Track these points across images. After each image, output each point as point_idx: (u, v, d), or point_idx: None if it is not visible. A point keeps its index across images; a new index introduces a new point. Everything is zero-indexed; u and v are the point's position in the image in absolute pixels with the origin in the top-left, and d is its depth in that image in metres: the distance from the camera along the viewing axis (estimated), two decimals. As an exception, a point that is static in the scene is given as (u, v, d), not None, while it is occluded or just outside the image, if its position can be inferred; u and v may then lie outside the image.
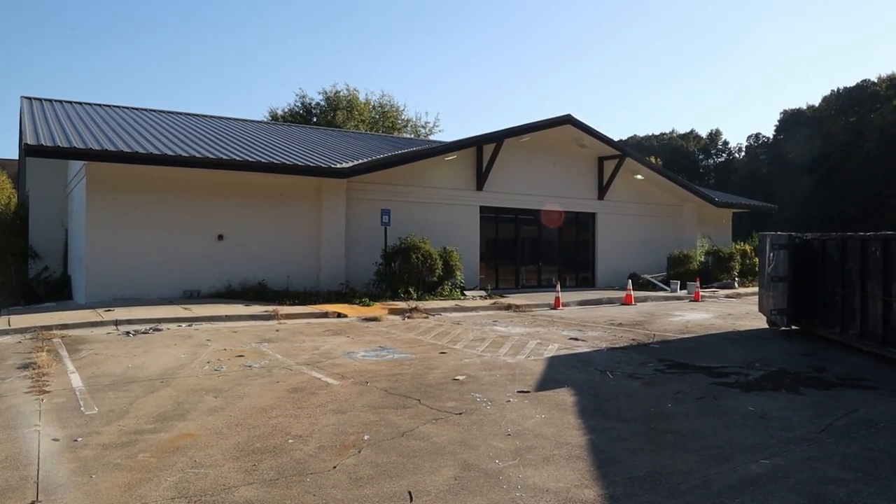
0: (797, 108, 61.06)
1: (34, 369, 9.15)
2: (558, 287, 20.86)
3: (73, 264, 20.16)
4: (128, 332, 12.86)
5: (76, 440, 6.13)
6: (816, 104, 59.79)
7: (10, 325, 12.97)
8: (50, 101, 23.61)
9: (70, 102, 24.08)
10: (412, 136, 47.79)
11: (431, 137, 48.41)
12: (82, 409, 7.24)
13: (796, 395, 8.31)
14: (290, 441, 6.17)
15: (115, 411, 7.15)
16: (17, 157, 28.19)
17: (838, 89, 58.37)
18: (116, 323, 13.56)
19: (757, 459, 5.81)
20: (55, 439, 6.16)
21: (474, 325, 15.13)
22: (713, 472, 5.49)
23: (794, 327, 14.26)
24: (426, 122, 50.66)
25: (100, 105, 24.67)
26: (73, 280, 20.12)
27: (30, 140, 15.59)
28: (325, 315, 15.85)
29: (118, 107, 25.06)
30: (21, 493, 4.89)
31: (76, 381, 8.61)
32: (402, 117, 49.60)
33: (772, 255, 14.34)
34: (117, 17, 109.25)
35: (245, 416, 7.00)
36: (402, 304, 17.48)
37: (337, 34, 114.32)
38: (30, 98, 23.07)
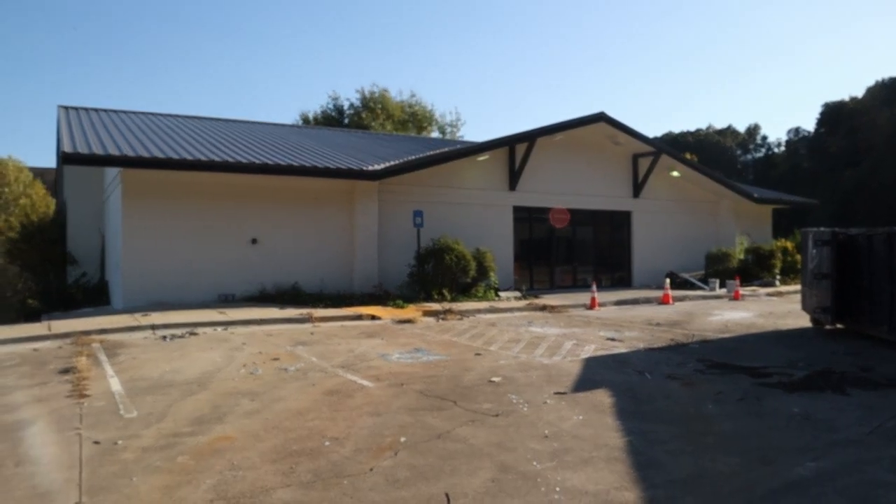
0: (840, 100, 59.70)
1: (75, 374, 9.30)
2: (594, 287, 20.66)
3: (110, 270, 20.51)
4: (164, 337, 13.03)
5: (116, 443, 6.21)
6: (860, 96, 58.45)
7: (50, 330, 13.22)
8: (86, 109, 24.09)
9: (105, 110, 24.55)
10: (439, 135, 47.88)
11: (457, 135, 48.45)
12: (122, 412, 7.33)
13: (842, 396, 8.08)
14: (327, 443, 6.17)
15: (153, 414, 7.23)
16: (54, 165, 28.85)
17: (883, 79, 56.95)
18: (153, 327, 13.74)
19: (802, 462, 5.65)
20: (96, 442, 6.24)
21: (509, 326, 15.04)
22: (756, 474, 5.35)
23: (838, 326, 13.88)
24: (453, 121, 50.76)
25: (134, 112, 25.12)
26: (110, 285, 20.48)
27: (67, 148, 15.89)
28: (359, 317, 15.88)
29: (152, 114, 25.49)
30: (65, 495, 4.97)
31: (115, 384, 8.73)
32: (430, 118, 49.71)
33: (815, 251, 14.00)
34: (149, 26, 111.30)
35: (281, 419, 7.02)
36: (435, 306, 17.45)
37: (367, 37, 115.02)
38: (66, 107, 23.57)
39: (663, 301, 20.54)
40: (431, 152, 23.42)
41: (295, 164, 18.33)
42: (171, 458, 5.77)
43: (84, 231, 23.12)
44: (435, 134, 48.40)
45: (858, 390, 8.37)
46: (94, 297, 20.28)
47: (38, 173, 29.57)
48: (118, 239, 17.70)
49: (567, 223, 24.84)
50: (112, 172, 19.37)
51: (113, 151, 16.26)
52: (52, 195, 27.55)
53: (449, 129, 49.92)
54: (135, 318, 14.66)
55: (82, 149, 16.01)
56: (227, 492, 5.00)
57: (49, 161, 53.69)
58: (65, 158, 15.76)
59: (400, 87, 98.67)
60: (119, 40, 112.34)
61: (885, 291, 12.01)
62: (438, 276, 19.29)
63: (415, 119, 48.55)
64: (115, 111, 24.74)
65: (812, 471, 5.43)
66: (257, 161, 17.82)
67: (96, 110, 24.28)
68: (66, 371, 9.59)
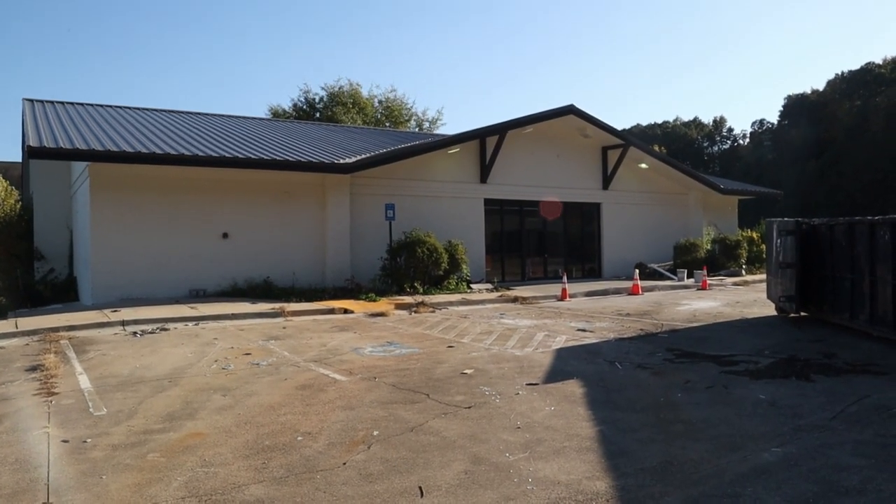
0: (802, 92, 60.72)
1: (42, 371, 9.16)
2: (565, 278, 20.82)
3: (79, 265, 20.19)
4: (135, 333, 12.87)
5: (86, 441, 6.13)
6: (821, 88, 59.47)
7: (17, 327, 12.99)
8: (52, 102, 23.64)
9: (72, 103, 24.10)
10: (416, 130, 47.63)
11: (436, 132, 48.22)
12: (91, 410, 7.24)
13: (807, 382, 8.25)
14: (300, 438, 6.16)
15: (123, 412, 7.15)
16: (20, 159, 28.24)
17: (843, 73, 58.03)
18: (123, 323, 13.57)
19: (768, 447, 5.77)
20: (65, 441, 6.16)
21: (481, 318, 15.10)
22: (725, 461, 5.45)
23: (803, 314, 14.17)
24: (432, 118, 50.43)
25: (101, 106, 24.68)
26: (79, 281, 20.16)
27: (32, 142, 15.59)
28: (331, 311, 15.84)
29: (120, 107, 25.07)
30: (32, 496, 4.89)
31: (84, 382, 8.61)
32: (408, 112, 49.30)
33: (779, 241, 14.25)
34: (117, 18, 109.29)
35: (254, 415, 6.99)
36: (408, 299, 17.46)
37: (338, 31, 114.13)
38: (32, 100, 23.09)
39: (633, 291, 20.76)
40: (403, 145, 23.37)
41: (266, 157, 18.19)
42: (141, 456, 5.72)
43: (52, 226, 22.71)
44: (413, 129, 48.08)
45: (822, 376, 8.56)
46: (63, 293, 19.94)
47: (3, 168, 28.92)
48: (86, 234, 17.43)
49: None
50: (79, 167, 19.04)
51: (80, 145, 16.00)
52: (18, 190, 26.97)
53: (427, 126, 49.58)
54: (104, 314, 14.47)
55: (48, 143, 15.72)
56: (198, 489, 4.97)
57: (14, 155, 52.53)
58: (30, 153, 15.47)
59: (377, 82, 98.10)
60: (84, 33, 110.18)
61: (846, 280, 12.29)
62: (411, 269, 19.30)
63: (390, 114, 48.15)
64: (82, 104, 24.30)
65: (778, 456, 5.55)
66: (228, 155, 17.64)
67: (63, 103, 23.84)
68: (33, 369, 9.44)
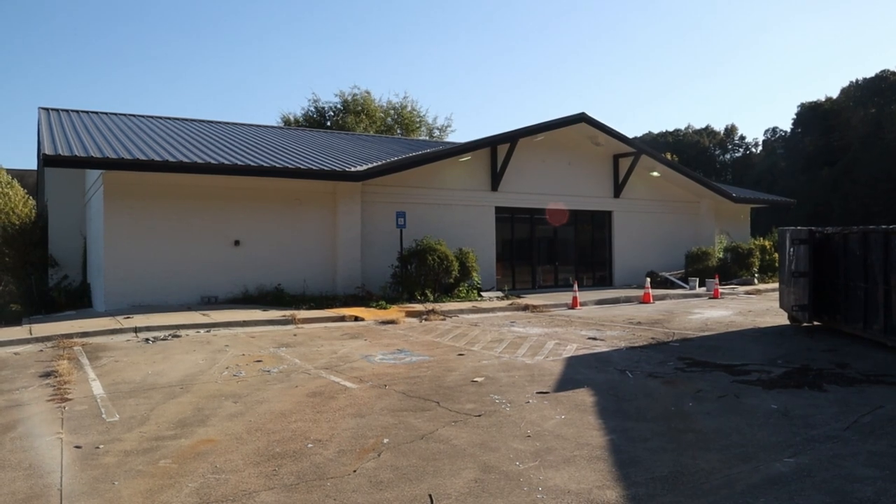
0: (815, 100, 60.45)
1: (56, 377, 9.23)
2: (575, 286, 20.77)
3: (92, 272, 20.34)
4: (147, 339, 12.95)
5: (98, 447, 6.17)
6: (835, 96, 59.22)
7: (31, 333, 13.09)
8: (67, 111, 23.86)
9: (87, 112, 24.32)
10: (426, 137, 47.68)
11: (446, 139, 48.23)
12: (104, 416, 7.29)
13: (820, 392, 8.20)
14: (310, 445, 6.17)
15: (135, 418, 7.19)
16: (35, 167, 28.52)
17: (857, 80, 57.80)
18: (136, 330, 13.66)
19: (781, 458, 5.73)
20: (77, 446, 6.20)
21: (492, 326, 15.09)
22: (736, 471, 5.42)
23: (815, 323, 14.08)
24: (442, 125, 50.47)
25: (116, 114, 24.90)
26: (92, 288, 20.30)
27: (48, 150, 15.74)
28: (342, 319, 15.87)
29: (134, 115, 25.28)
30: (45, 501, 4.93)
31: (97, 388, 8.67)
32: (419, 119, 49.31)
33: (792, 250, 14.18)
34: (131, 28, 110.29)
35: (265, 422, 7.01)
36: (418, 307, 17.47)
37: (350, 39, 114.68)
38: (47, 109, 23.33)
39: (644, 300, 20.68)
40: (414, 153, 23.42)
41: (277, 165, 18.28)
42: (153, 462, 5.75)
43: (66, 233, 22.90)
44: (423, 136, 48.11)
45: (835, 386, 8.50)
46: (76, 299, 20.09)
47: (19, 176, 29.21)
48: (100, 241, 17.56)
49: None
50: (94, 174, 19.20)
51: (94, 153, 16.14)
52: (33, 198, 27.25)
53: (437, 133, 49.61)
54: (117, 320, 14.55)
55: (63, 151, 15.86)
56: (209, 495, 4.99)
57: (30, 163, 53.11)
58: (46, 161, 15.63)
59: (392, 89, 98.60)
60: (98, 43, 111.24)
61: (859, 289, 12.20)
62: (421, 277, 19.31)
63: (402, 121, 48.21)
64: (96, 113, 24.52)
65: (791, 466, 5.52)
66: (239, 163, 17.74)
67: (77, 112, 24.06)
68: (47, 375, 9.52)
